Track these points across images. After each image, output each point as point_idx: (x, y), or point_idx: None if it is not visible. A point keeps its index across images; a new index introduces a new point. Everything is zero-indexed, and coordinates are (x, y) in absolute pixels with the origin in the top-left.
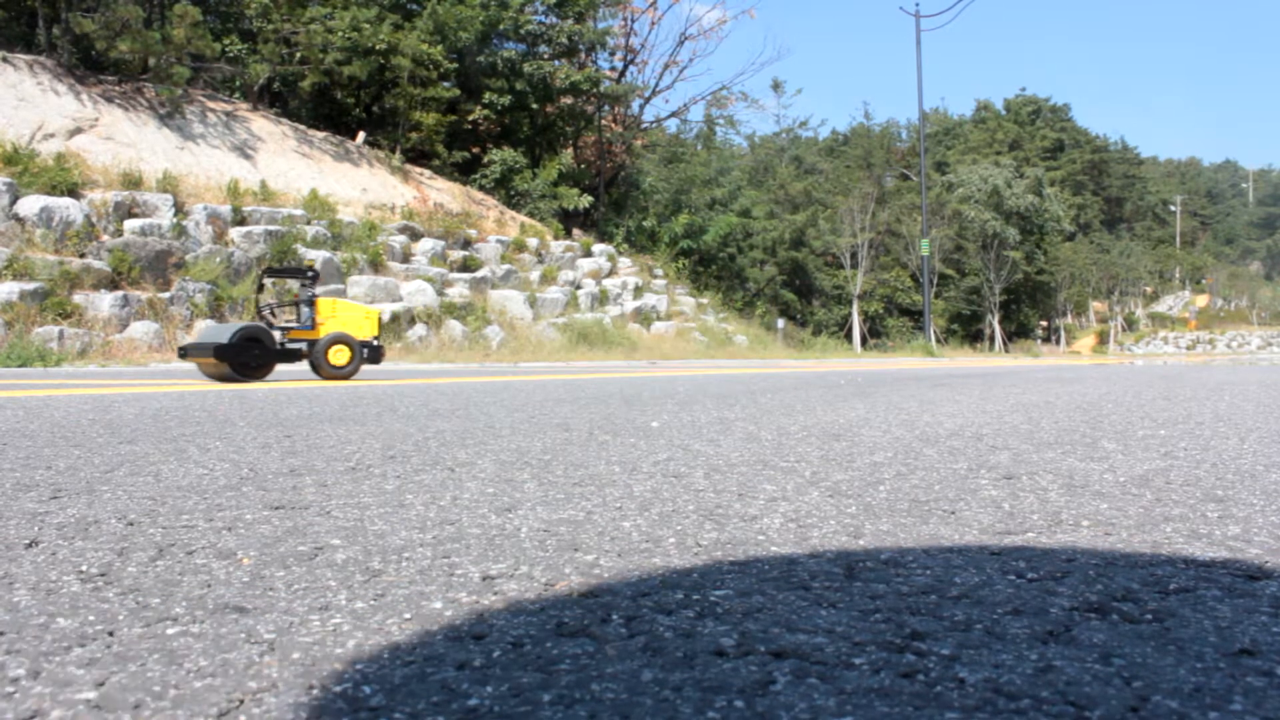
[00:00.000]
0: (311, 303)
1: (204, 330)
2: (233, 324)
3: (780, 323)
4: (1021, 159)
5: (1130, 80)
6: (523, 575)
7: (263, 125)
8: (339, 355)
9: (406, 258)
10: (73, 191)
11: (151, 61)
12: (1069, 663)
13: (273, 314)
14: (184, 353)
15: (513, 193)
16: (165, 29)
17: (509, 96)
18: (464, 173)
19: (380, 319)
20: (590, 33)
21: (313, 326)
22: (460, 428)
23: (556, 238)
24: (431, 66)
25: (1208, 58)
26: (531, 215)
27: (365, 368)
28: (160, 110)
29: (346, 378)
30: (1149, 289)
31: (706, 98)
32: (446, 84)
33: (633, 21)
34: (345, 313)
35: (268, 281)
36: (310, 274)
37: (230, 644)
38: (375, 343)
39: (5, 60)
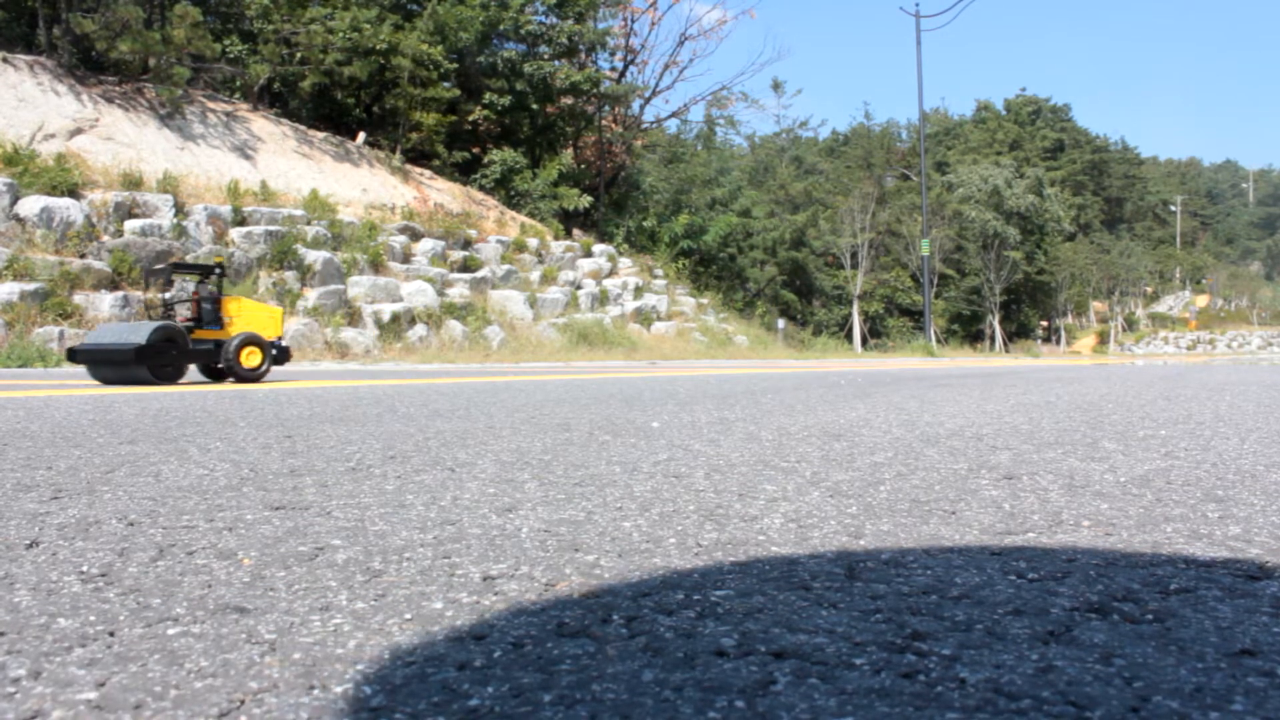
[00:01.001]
0: (216, 300)
1: (104, 330)
2: (144, 323)
3: (780, 323)
4: (1022, 159)
5: (1130, 80)
6: (523, 575)
7: (263, 125)
8: (251, 357)
9: (407, 258)
10: (73, 192)
11: (152, 62)
12: (1070, 663)
13: (172, 311)
14: (74, 355)
15: (513, 193)
16: (165, 29)
17: (509, 97)
18: (464, 173)
19: (283, 318)
20: (590, 33)
21: (220, 326)
22: (460, 428)
23: (557, 238)
24: (432, 67)
25: (1208, 58)
26: (532, 215)
27: (365, 368)
28: (160, 111)
29: (258, 380)
30: (1149, 289)
31: (707, 98)
32: (447, 84)
33: (633, 22)
34: (250, 312)
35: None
36: (217, 270)
37: (231, 644)
38: (282, 343)
39: (5, 61)
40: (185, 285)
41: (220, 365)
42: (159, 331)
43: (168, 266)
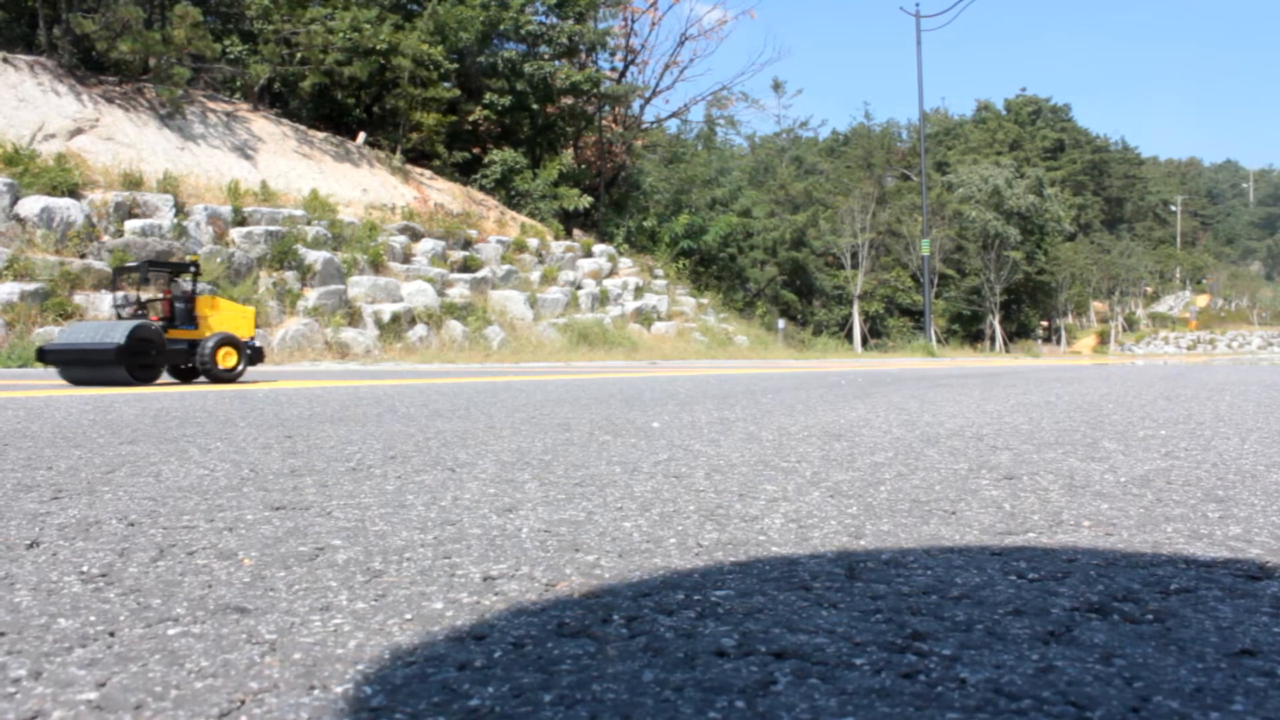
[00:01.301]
0: (190, 300)
1: (75, 329)
2: (119, 322)
3: (781, 323)
4: (1022, 159)
5: (1130, 80)
6: (524, 576)
7: (263, 126)
8: (228, 358)
9: (407, 258)
10: (73, 192)
11: (152, 62)
12: (1070, 663)
13: (142, 309)
14: (44, 355)
15: (513, 193)
16: (166, 29)
17: (509, 97)
18: (464, 173)
19: (255, 318)
20: (590, 33)
21: (195, 325)
22: (461, 428)
23: (557, 238)
24: (432, 67)
25: (1208, 58)
26: (532, 215)
27: (366, 368)
28: (161, 111)
29: (233, 381)
30: (1149, 289)
31: (707, 98)
32: (447, 84)
33: (633, 22)
34: (223, 311)
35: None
36: (192, 268)
37: (231, 644)
38: (255, 343)
39: (6, 61)
40: (180, 284)
41: (191, 365)
42: (137, 331)
43: (141, 264)
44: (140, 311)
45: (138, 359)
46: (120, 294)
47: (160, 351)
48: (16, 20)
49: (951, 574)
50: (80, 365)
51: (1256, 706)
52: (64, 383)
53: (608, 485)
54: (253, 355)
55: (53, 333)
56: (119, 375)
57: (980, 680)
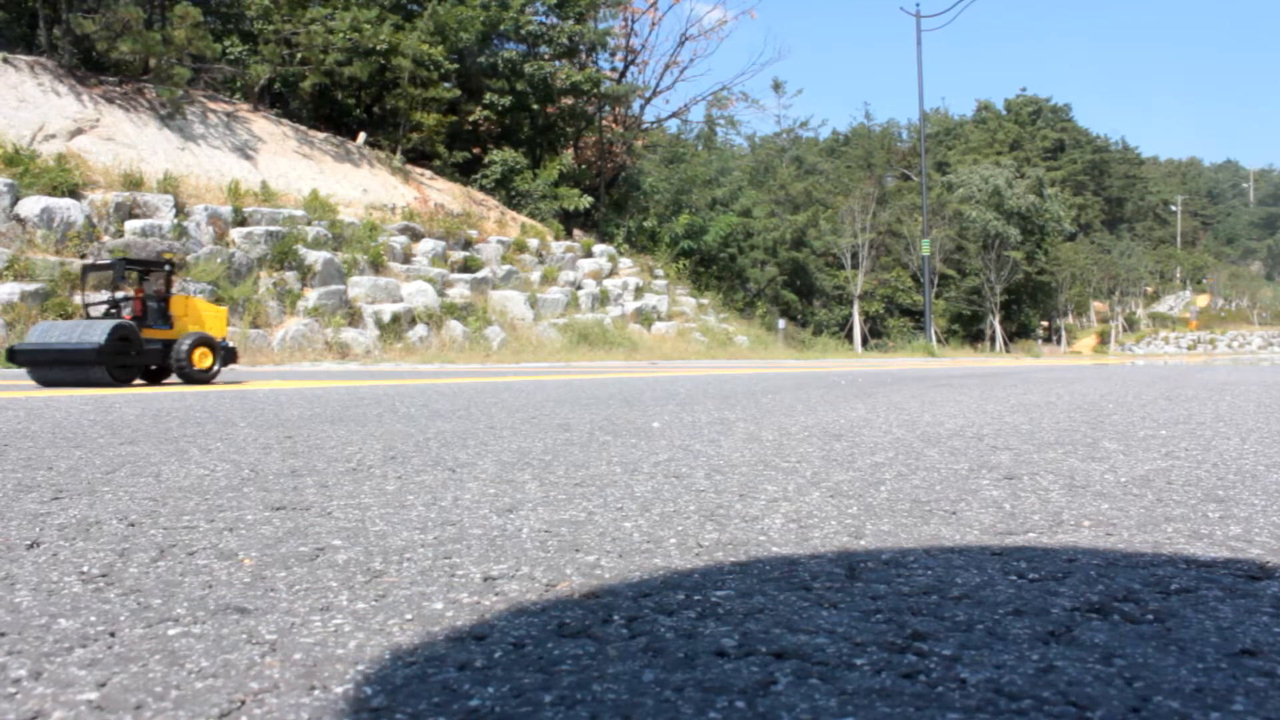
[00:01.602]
0: (164, 299)
1: (47, 329)
2: (96, 322)
3: (781, 323)
4: (1022, 159)
5: (1130, 80)
6: (524, 576)
7: (263, 126)
8: (204, 358)
9: (407, 258)
10: (73, 192)
11: (152, 62)
12: (1070, 663)
13: (115, 308)
14: (15, 355)
15: (513, 193)
16: (166, 30)
17: (510, 97)
18: (465, 173)
19: (227, 317)
20: (591, 33)
21: (170, 325)
22: (461, 428)
23: (557, 238)
24: (432, 67)
25: (1209, 58)
26: (532, 216)
27: (366, 368)
28: (161, 111)
29: (208, 382)
30: (1150, 289)
31: (707, 98)
32: (447, 85)
33: (633, 22)
34: (197, 311)
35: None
36: (168, 266)
37: (232, 645)
38: (229, 344)
39: (6, 61)
40: (151, 282)
41: (161, 365)
42: (117, 330)
43: (116, 262)
44: (113, 311)
45: (117, 359)
46: (118, 294)
47: (139, 351)
48: (16, 20)
49: (952, 574)
50: (56, 365)
51: (1257, 707)
52: (66, 384)
53: (608, 485)
54: (226, 355)
55: None
56: (96, 376)
57: (980, 680)
